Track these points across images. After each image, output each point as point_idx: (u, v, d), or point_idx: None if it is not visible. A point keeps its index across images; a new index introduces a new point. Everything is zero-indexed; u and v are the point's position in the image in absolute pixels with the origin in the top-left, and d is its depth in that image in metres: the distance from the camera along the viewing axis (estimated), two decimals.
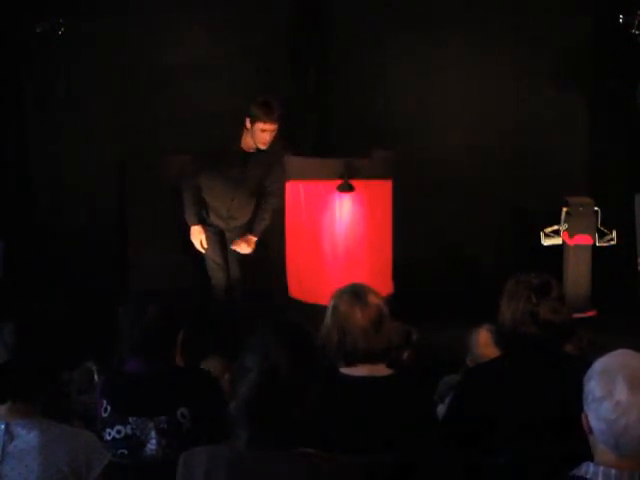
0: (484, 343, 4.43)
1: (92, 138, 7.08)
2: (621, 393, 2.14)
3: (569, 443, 2.31)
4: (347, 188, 6.42)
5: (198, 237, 6.06)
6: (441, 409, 3.79)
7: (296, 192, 6.64)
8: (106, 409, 3.18)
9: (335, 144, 7.37)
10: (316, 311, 3.71)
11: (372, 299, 3.18)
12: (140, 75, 7.11)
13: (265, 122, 5.74)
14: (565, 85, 7.45)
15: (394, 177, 6.78)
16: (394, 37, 7.37)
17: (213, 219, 6.13)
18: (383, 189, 6.73)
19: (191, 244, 6.13)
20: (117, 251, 7.06)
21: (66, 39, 6.52)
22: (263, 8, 7.19)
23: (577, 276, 6.77)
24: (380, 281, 6.38)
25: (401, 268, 6.76)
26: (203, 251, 6.11)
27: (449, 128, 7.44)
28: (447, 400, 3.82)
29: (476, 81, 7.48)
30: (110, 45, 6.96)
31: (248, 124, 5.78)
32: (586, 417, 2.21)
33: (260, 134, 5.78)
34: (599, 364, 2.22)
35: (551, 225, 6.83)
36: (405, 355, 4.70)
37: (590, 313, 6.69)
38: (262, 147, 5.84)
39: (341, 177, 6.40)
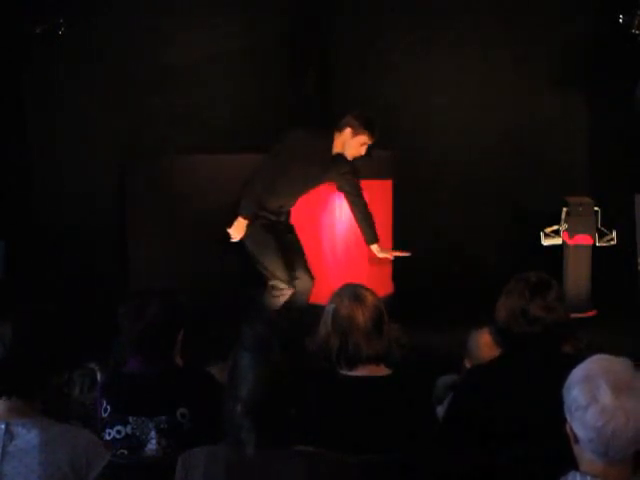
0: (485, 345, 4.42)
1: (92, 138, 7.08)
2: (605, 398, 2.12)
3: (566, 444, 2.30)
4: None
5: (242, 231, 5.95)
6: (440, 409, 3.78)
7: None
8: (106, 409, 3.19)
9: None
10: (316, 311, 3.70)
11: (371, 299, 3.18)
12: (139, 75, 7.11)
13: (369, 138, 5.81)
14: (565, 85, 7.45)
15: (394, 177, 6.78)
16: (394, 37, 7.37)
17: (266, 211, 6.00)
18: (383, 189, 6.73)
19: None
20: (117, 251, 7.06)
21: (66, 39, 6.52)
22: (263, 8, 7.20)
23: (577, 276, 6.77)
24: (380, 281, 6.39)
25: (401, 268, 6.76)
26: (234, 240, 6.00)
27: (449, 128, 7.45)
28: (446, 400, 3.82)
29: (476, 81, 7.48)
30: (110, 45, 6.96)
31: (349, 134, 5.81)
32: (570, 427, 2.19)
33: (358, 147, 5.84)
34: (579, 372, 2.19)
35: (551, 225, 6.83)
36: (407, 355, 4.70)
37: (590, 313, 6.69)
38: (350, 158, 5.90)
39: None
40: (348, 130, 5.81)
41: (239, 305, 6.16)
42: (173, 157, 6.96)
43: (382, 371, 3.16)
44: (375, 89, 7.42)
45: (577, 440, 2.17)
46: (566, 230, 6.79)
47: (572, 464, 2.23)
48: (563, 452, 2.28)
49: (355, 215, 6.14)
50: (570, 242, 6.80)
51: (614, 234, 6.78)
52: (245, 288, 6.27)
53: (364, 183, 6.30)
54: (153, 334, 3.22)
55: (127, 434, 3.13)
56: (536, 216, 7.10)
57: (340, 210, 6.43)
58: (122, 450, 3.12)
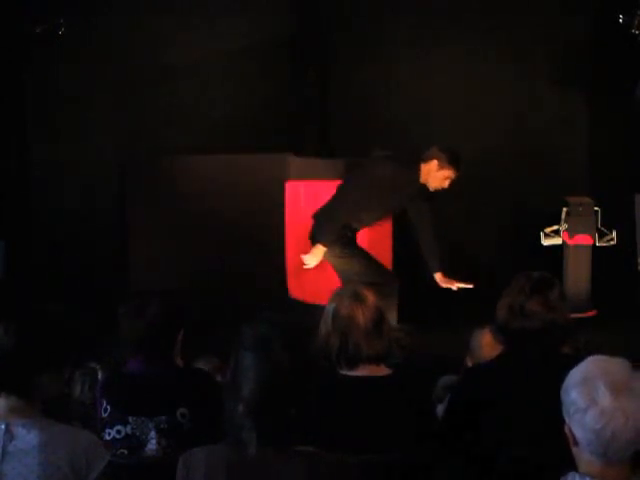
0: (487, 345, 4.42)
1: (92, 138, 7.08)
2: (604, 400, 2.11)
3: (566, 444, 2.30)
4: None
5: (319, 258, 5.95)
6: (440, 409, 3.79)
7: (296, 192, 6.64)
8: (106, 409, 3.18)
9: (335, 144, 7.37)
10: (316, 311, 3.70)
11: (371, 299, 3.18)
12: (140, 75, 7.11)
13: (454, 173, 5.89)
14: (565, 85, 7.45)
15: None
16: (394, 37, 7.37)
17: (342, 235, 5.99)
18: None
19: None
20: (117, 251, 7.06)
21: (66, 39, 6.52)
22: (263, 8, 7.19)
23: (577, 276, 6.77)
24: None
25: (401, 268, 6.75)
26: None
27: (449, 128, 7.43)
28: (446, 400, 3.82)
29: (476, 81, 7.47)
30: (110, 45, 6.96)
31: (435, 166, 5.87)
32: (569, 429, 2.18)
33: (442, 180, 5.91)
34: (577, 374, 2.18)
35: (551, 225, 6.83)
36: (407, 355, 4.71)
37: (590, 313, 6.68)
38: (432, 189, 5.95)
39: (341, 177, 6.40)
40: (434, 162, 5.88)
41: (239, 305, 6.17)
42: (173, 157, 6.96)
43: (382, 371, 3.16)
44: (375, 89, 7.42)
45: (576, 442, 2.17)
46: (566, 230, 6.79)
47: (571, 464, 2.23)
48: (562, 453, 2.28)
49: (420, 244, 6.16)
50: (570, 242, 6.79)
51: (614, 234, 6.77)
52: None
53: None
54: (153, 334, 3.22)
55: (127, 434, 3.13)
56: (536, 216, 7.09)
57: None
58: (122, 450, 3.12)
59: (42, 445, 2.58)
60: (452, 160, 5.89)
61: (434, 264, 6.14)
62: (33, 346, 2.67)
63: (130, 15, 6.98)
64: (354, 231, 6.09)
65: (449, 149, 5.93)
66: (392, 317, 5.88)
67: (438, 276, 6.14)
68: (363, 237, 6.25)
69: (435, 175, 5.90)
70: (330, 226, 5.91)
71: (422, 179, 5.94)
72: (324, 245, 5.89)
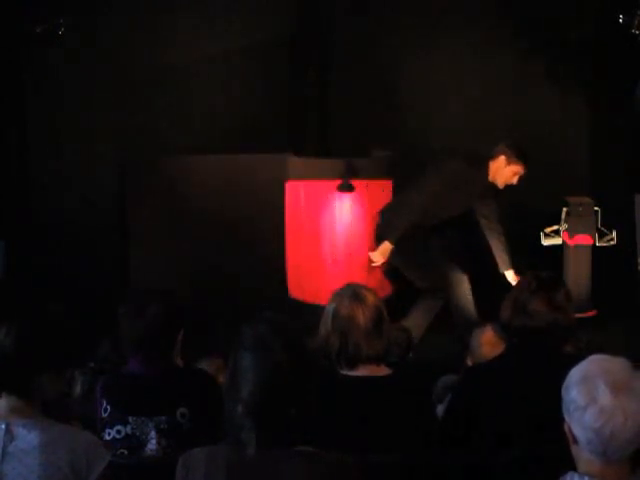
0: (487, 342, 4.42)
1: (92, 138, 7.07)
2: (604, 399, 2.11)
3: (566, 444, 2.30)
4: (347, 188, 6.42)
5: (386, 256, 5.95)
6: (440, 409, 3.79)
7: (296, 192, 6.64)
8: (106, 409, 3.19)
9: (335, 144, 7.37)
10: (316, 311, 3.70)
11: (371, 299, 3.18)
12: (140, 75, 7.11)
13: (522, 168, 5.96)
14: (565, 85, 7.44)
15: (394, 177, 6.77)
16: (394, 37, 7.36)
17: (410, 234, 5.98)
18: (383, 189, 6.73)
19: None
20: (117, 251, 7.06)
21: (66, 39, 6.52)
22: (263, 8, 7.19)
23: (577, 276, 6.76)
24: (380, 281, 6.38)
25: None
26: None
27: (449, 128, 7.43)
28: (446, 400, 3.83)
29: (476, 81, 7.47)
30: (110, 45, 6.95)
31: (503, 162, 5.93)
32: (569, 427, 2.19)
33: (511, 176, 5.98)
34: (577, 372, 2.19)
35: (551, 225, 6.83)
36: (407, 354, 4.71)
37: (590, 313, 6.68)
38: (501, 186, 6.01)
39: (341, 177, 6.40)
40: (502, 158, 5.94)
41: (239, 305, 6.18)
42: (173, 157, 6.96)
43: (382, 371, 3.16)
44: (375, 89, 7.42)
45: (575, 440, 2.17)
46: (566, 230, 6.79)
47: (571, 464, 2.23)
48: (562, 452, 2.28)
49: (491, 241, 6.21)
50: (570, 242, 6.79)
51: (614, 234, 6.77)
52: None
53: (364, 183, 6.32)
54: (153, 334, 3.22)
55: (127, 434, 3.13)
56: (536, 216, 7.09)
57: (340, 210, 6.44)
58: (122, 450, 3.12)
59: (42, 445, 2.58)
60: (519, 155, 5.93)
61: (504, 262, 6.19)
62: (34, 347, 2.68)
63: (130, 15, 6.98)
64: (422, 229, 6.06)
65: (515, 144, 5.98)
66: (425, 322, 5.93)
67: (509, 274, 6.16)
68: (363, 239, 6.25)
69: (503, 171, 5.96)
70: (399, 223, 5.91)
71: (490, 177, 5.98)
72: (391, 242, 5.89)
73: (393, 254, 5.94)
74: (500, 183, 6.00)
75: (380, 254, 5.93)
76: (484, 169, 5.97)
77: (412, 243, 5.96)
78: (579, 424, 2.14)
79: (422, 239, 6.05)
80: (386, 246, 5.90)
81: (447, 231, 6.20)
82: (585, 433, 2.14)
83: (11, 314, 2.76)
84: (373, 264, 6.00)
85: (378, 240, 5.98)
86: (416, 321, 6.01)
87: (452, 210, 6.11)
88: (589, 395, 2.13)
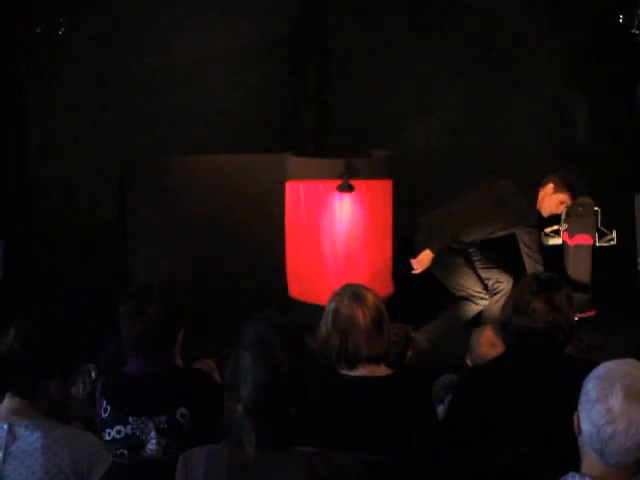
0: (487, 342, 4.42)
1: (92, 138, 7.08)
2: (615, 400, 2.13)
3: (566, 444, 2.30)
4: (347, 188, 6.41)
5: (427, 264, 6.00)
6: (440, 409, 3.79)
7: (296, 192, 6.63)
8: (106, 409, 3.19)
9: (335, 144, 7.37)
10: (316, 311, 3.70)
11: (371, 299, 3.18)
12: (140, 75, 7.11)
13: (569, 198, 6.05)
14: (565, 85, 7.45)
15: (394, 177, 6.77)
16: (394, 37, 7.37)
17: (451, 246, 6.07)
18: (383, 189, 6.72)
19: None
20: (117, 251, 7.06)
21: (66, 39, 6.52)
22: (263, 8, 7.19)
23: (577, 276, 6.76)
24: (380, 281, 6.38)
25: (401, 268, 6.75)
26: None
27: (449, 128, 7.44)
28: (446, 400, 3.83)
29: (476, 81, 7.47)
30: (110, 45, 6.96)
31: (551, 189, 6.01)
32: (578, 417, 2.21)
33: (557, 205, 6.07)
34: (602, 368, 2.22)
35: (551, 225, 6.83)
36: (406, 354, 4.69)
37: (590, 313, 6.68)
38: (545, 214, 6.09)
39: (341, 177, 6.39)
40: (550, 186, 6.01)
41: (239, 305, 6.18)
42: (173, 157, 6.95)
43: (382, 371, 3.16)
44: (375, 89, 7.42)
45: (580, 431, 2.19)
46: (566, 230, 6.79)
47: (571, 464, 2.23)
48: (563, 453, 2.29)
49: (527, 268, 6.23)
50: (570, 242, 6.79)
51: (614, 234, 6.77)
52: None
53: (364, 183, 6.31)
54: (153, 334, 3.22)
55: (127, 434, 3.13)
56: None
57: (340, 210, 6.43)
58: (122, 450, 3.12)
59: (44, 447, 2.58)
60: (568, 186, 6.01)
61: None
62: (42, 351, 2.68)
63: (130, 15, 6.98)
64: (461, 244, 6.14)
65: (565, 175, 6.06)
66: (449, 329, 5.97)
67: None
68: (363, 239, 6.25)
69: (550, 199, 6.04)
70: (445, 234, 5.99)
71: (537, 204, 6.07)
72: (433, 251, 5.95)
73: (433, 262, 6.01)
74: (545, 210, 6.10)
75: (421, 262, 6.00)
76: (532, 195, 6.06)
77: (453, 254, 6.07)
78: (586, 416, 2.18)
79: (461, 252, 6.15)
80: (427, 255, 5.98)
81: (483, 249, 6.26)
82: (588, 426, 2.17)
83: (15, 316, 2.76)
84: (413, 272, 6.05)
85: (418, 247, 6.04)
86: (441, 326, 6.07)
87: (494, 228, 6.16)
88: (602, 392, 2.15)
